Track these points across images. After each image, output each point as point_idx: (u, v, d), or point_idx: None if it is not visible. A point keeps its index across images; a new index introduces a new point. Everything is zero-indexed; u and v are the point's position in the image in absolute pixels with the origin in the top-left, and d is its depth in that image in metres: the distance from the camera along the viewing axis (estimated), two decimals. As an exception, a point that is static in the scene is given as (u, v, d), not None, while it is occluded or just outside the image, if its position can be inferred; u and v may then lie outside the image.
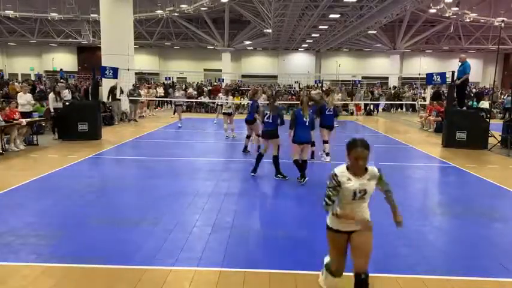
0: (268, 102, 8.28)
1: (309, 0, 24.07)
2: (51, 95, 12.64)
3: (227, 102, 13.75)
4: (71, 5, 38.44)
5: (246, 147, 10.63)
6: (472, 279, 4.02)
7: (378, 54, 48.37)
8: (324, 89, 20.00)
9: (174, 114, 16.40)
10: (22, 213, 5.70)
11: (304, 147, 7.47)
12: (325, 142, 9.63)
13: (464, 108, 13.06)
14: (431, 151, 11.38)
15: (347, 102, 22.68)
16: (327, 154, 9.59)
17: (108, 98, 16.79)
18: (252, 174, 7.99)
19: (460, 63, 12.79)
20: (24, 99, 11.96)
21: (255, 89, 14.23)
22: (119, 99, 16.75)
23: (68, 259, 4.24)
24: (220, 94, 16.72)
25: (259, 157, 7.96)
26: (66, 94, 14.21)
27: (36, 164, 8.85)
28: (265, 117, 7.75)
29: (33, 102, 12.39)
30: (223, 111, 13.58)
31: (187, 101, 23.22)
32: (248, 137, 10.67)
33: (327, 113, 9.58)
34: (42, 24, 43.09)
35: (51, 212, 5.78)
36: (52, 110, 12.15)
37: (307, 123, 7.36)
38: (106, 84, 17.48)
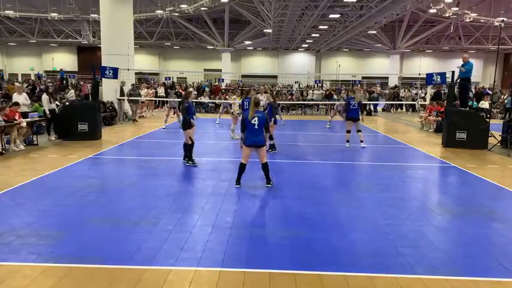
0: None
1: (309, 0, 24.08)
2: (45, 96, 12.18)
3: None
4: (71, 5, 38.42)
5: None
6: (472, 279, 4.02)
7: (377, 54, 48.44)
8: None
9: (173, 114, 16.58)
10: (22, 213, 5.70)
11: (258, 151, 7.09)
12: (349, 132, 11.22)
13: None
14: (431, 151, 11.38)
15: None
16: (361, 141, 11.01)
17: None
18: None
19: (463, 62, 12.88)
20: (20, 100, 11.83)
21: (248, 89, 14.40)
22: (123, 99, 16.78)
23: (68, 259, 4.24)
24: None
25: None
26: (73, 94, 14.10)
27: (36, 164, 8.84)
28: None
29: (28, 102, 12.26)
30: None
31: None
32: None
33: (351, 107, 11.27)
34: (42, 24, 43.12)
35: (51, 212, 5.77)
36: (48, 112, 11.91)
37: (255, 126, 6.92)
38: (106, 84, 17.48)
